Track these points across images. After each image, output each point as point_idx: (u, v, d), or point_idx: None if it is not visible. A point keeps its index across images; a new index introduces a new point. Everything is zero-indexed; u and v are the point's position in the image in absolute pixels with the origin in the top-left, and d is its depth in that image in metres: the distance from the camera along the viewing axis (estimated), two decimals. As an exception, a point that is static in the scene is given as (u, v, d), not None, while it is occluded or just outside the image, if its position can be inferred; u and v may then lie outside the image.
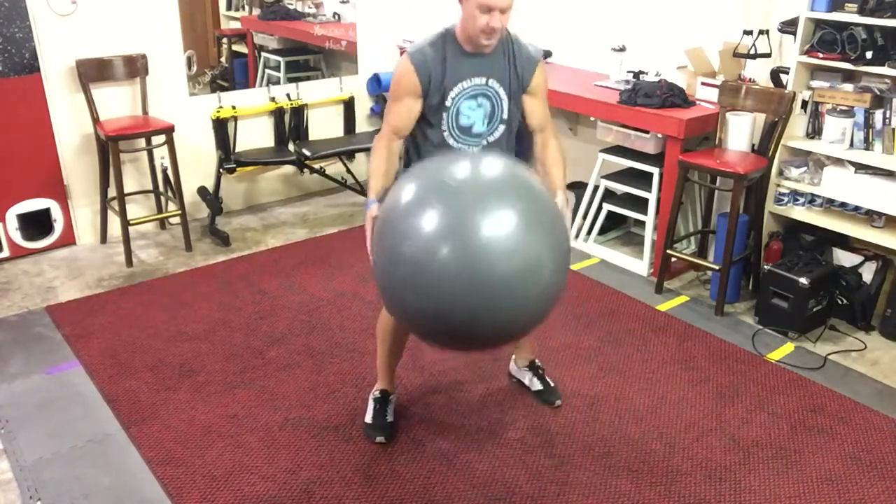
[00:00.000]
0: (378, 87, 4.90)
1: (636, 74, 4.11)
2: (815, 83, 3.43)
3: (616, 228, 4.46)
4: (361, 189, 4.74)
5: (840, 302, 3.46)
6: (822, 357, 3.22)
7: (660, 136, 3.77)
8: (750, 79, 3.76)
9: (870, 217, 3.42)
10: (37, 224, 4.07)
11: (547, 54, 4.65)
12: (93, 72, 3.95)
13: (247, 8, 5.70)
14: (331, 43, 5.20)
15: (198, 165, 4.45)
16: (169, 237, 4.37)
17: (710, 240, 3.94)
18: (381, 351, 2.67)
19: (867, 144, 3.35)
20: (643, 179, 3.91)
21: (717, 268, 3.56)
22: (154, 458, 2.55)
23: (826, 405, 2.90)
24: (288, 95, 4.78)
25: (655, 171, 3.82)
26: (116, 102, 4.12)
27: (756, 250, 3.67)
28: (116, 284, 3.78)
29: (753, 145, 3.66)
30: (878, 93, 3.26)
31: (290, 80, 5.01)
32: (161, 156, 4.21)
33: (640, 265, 4.00)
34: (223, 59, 5.54)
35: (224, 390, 2.92)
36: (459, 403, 2.87)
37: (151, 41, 4.14)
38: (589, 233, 4.23)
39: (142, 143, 4.10)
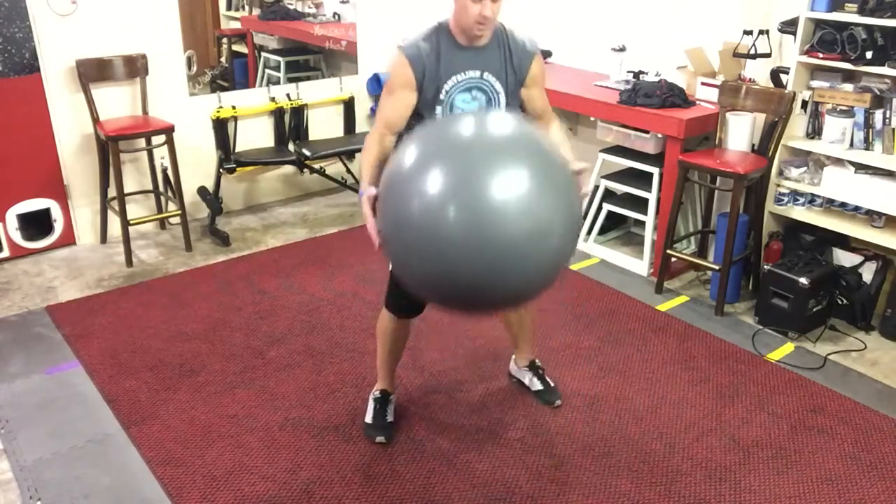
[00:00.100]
0: (378, 87, 4.90)
1: (636, 74, 4.11)
2: (815, 83, 3.43)
3: (616, 228, 4.47)
4: (361, 189, 4.73)
5: (840, 302, 3.46)
6: (822, 357, 3.22)
7: (660, 136, 3.77)
8: (750, 79, 3.76)
9: (870, 217, 3.42)
10: (37, 224, 4.07)
11: (547, 54, 4.65)
12: (93, 72, 3.95)
13: (247, 8, 5.70)
14: (331, 43, 5.19)
15: (198, 165, 4.45)
16: (169, 237, 4.37)
17: (710, 240, 3.94)
18: (380, 351, 2.67)
19: (867, 144, 3.35)
20: (643, 179, 3.91)
21: (717, 268, 3.56)
22: (154, 458, 2.55)
23: (826, 405, 2.90)
24: (288, 95, 4.78)
25: (655, 171, 3.82)
26: (116, 102, 4.12)
27: (756, 250, 3.67)
28: (116, 284, 3.78)
29: (753, 145, 3.66)
30: (878, 93, 3.26)
31: (290, 80, 5.00)
32: (161, 156, 4.21)
33: (640, 265, 4.00)
34: (223, 59, 5.54)
35: (224, 390, 2.92)
36: (459, 403, 2.87)
37: (151, 41, 4.14)
38: (589, 233, 4.23)
39: (142, 143, 4.10)
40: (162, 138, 3.99)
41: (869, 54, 3.16)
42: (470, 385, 2.98)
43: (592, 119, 4.11)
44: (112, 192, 4.01)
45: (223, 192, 4.53)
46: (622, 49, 4.18)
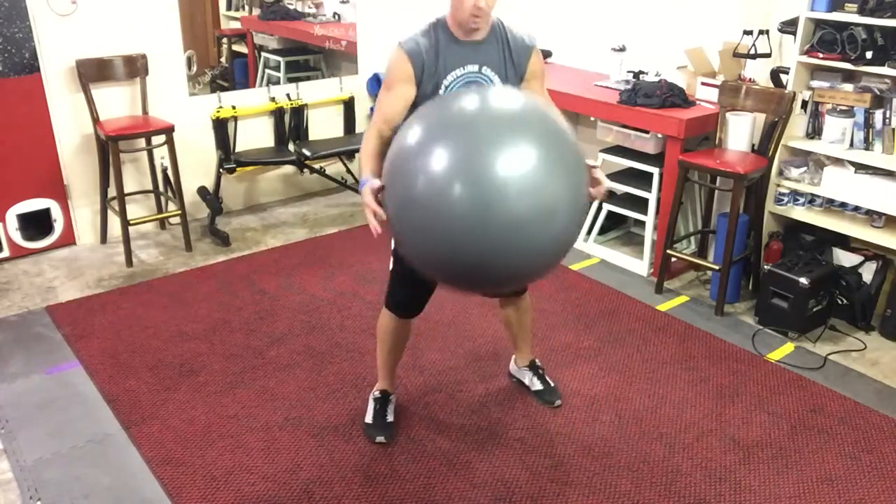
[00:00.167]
0: (378, 87, 4.89)
1: (636, 74, 4.11)
2: (815, 83, 3.43)
3: (616, 228, 4.47)
4: (361, 189, 4.73)
5: (840, 302, 3.46)
6: (822, 357, 3.22)
7: (660, 136, 3.77)
8: (750, 79, 3.77)
9: (870, 217, 3.42)
10: (37, 224, 4.07)
11: (547, 54, 4.65)
12: (93, 72, 3.95)
13: (247, 8, 5.69)
14: (331, 43, 5.19)
15: (198, 165, 4.45)
16: (169, 237, 4.37)
17: (710, 240, 3.94)
18: (381, 351, 2.67)
19: (867, 144, 3.35)
20: (643, 179, 3.91)
21: (717, 268, 3.56)
22: (154, 458, 2.55)
23: (826, 405, 2.90)
24: (288, 95, 4.78)
25: (655, 171, 3.82)
26: (116, 102, 4.12)
27: (756, 250, 3.67)
28: (116, 284, 3.78)
29: (753, 145, 3.66)
30: (878, 93, 3.26)
31: (290, 80, 5.00)
32: (161, 156, 4.21)
33: (640, 265, 4.00)
34: (223, 59, 5.54)
35: (224, 390, 2.92)
36: (459, 403, 2.87)
37: (151, 41, 4.14)
38: (589, 233, 4.23)
39: (142, 143, 4.10)
40: (162, 138, 3.99)
41: (869, 54, 3.16)
42: (470, 385, 2.98)
43: (592, 119, 4.11)
44: (112, 192, 4.01)
45: (223, 192, 4.53)
46: (622, 49, 4.18)
